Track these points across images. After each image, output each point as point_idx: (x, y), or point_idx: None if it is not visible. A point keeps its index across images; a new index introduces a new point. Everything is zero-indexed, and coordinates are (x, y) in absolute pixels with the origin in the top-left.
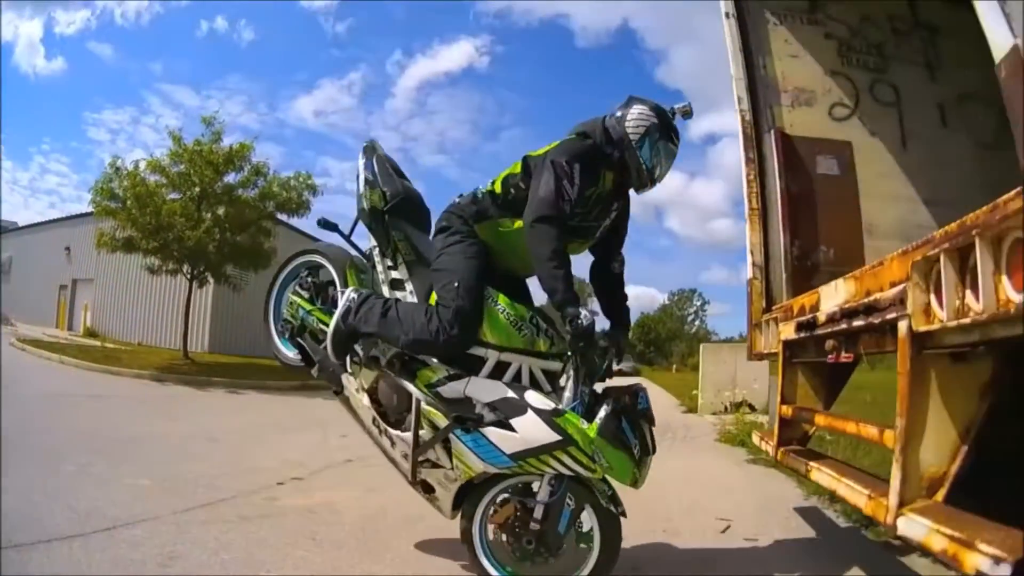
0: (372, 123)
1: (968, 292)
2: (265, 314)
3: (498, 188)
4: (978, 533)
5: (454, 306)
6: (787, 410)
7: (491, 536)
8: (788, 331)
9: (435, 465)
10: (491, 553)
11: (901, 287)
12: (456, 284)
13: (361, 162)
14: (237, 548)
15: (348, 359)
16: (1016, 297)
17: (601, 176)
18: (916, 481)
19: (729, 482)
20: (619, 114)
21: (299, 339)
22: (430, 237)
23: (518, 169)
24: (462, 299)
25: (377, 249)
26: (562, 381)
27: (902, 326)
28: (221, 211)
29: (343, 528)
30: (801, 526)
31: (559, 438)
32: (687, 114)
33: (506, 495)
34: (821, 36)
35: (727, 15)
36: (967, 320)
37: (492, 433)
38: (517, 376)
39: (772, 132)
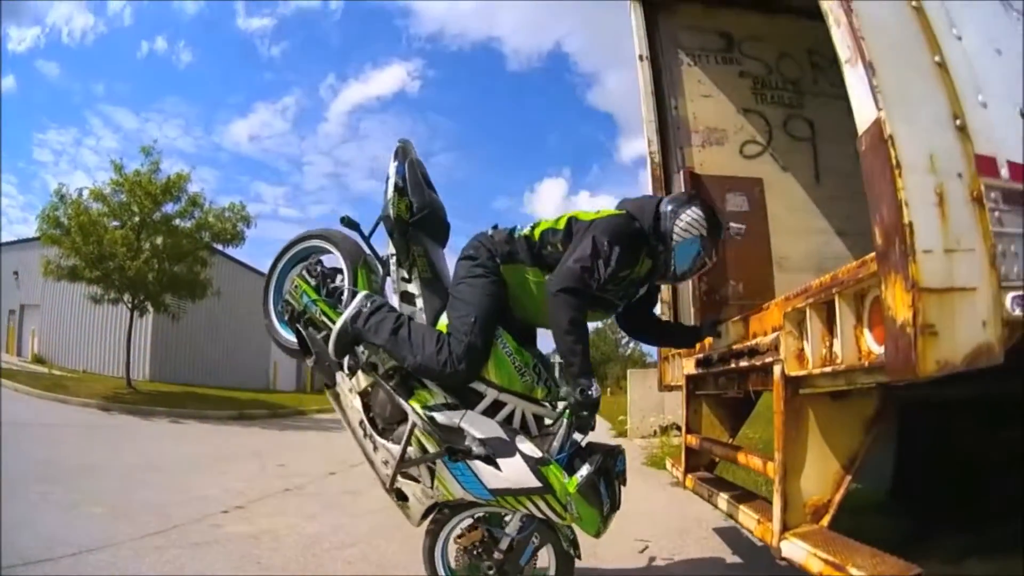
0: (305, 148)
1: (836, 341)
2: (265, 292)
3: (535, 236)
4: (851, 558)
5: (467, 341)
6: (692, 440)
7: (452, 555)
8: (690, 366)
9: (414, 479)
10: (450, 572)
11: (777, 334)
12: (473, 320)
13: (393, 165)
14: (191, 572)
15: (347, 359)
16: (876, 349)
17: (640, 262)
18: (799, 508)
19: (651, 505)
20: (673, 208)
21: (298, 326)
22: (452, 257)
23: (560, 226)
24: (476, 336)
25: (395, 258)
26: (552, 428)
27: (776, 370)
28: (159, 241)
29: (285, 554)
30: (718, 545)
31: (539, 485)
32: (739, 234)
33: (474, 520)
34: (735, 75)
35: (640, 57)
36: (831, 368)
37: (478, 466)
38: (509, 417)
39: (681, 172)
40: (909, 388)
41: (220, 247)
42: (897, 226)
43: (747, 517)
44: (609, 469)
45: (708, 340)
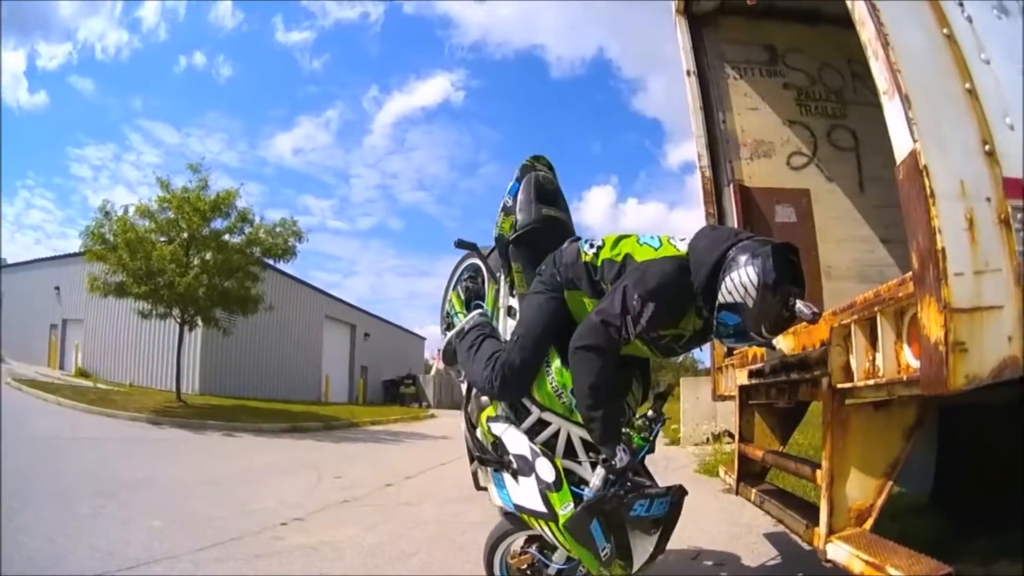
0: (351, 160)
1: (878, 356)
2: (442, 303)
3: (597, 263)
4: (889, 558)
5: (505, 359)
6: (745, 448)
7: (506, 571)
8: (743, 377)
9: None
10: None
11: (824, 347)
12: (517, 337)
13: (510, 184)
14: None
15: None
16: (914, 363)
17: (686, 318)
18: (844, 513)
19: (703, 512)
20: (734, 257)
21: (445, 334)
22: None
23: (619, 259)
24: (515, 354)
25: (503, 276)
26: (592, 470)
27: (824, 382)
28: (208, 256)
29: (345, 564)
30: (768, 551)
31: (545, 511)
32: (814, 319)
33: (527, 542)
34: (780, 87)
35: (688, 72)
36: (873, 381)
37: (508, 479)
38: (555, 436)
39: (731, 185)
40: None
41: (272, 262)
42: (931, 252)
43: (795, 522)
44: (612, 512)
45: (760, 351)
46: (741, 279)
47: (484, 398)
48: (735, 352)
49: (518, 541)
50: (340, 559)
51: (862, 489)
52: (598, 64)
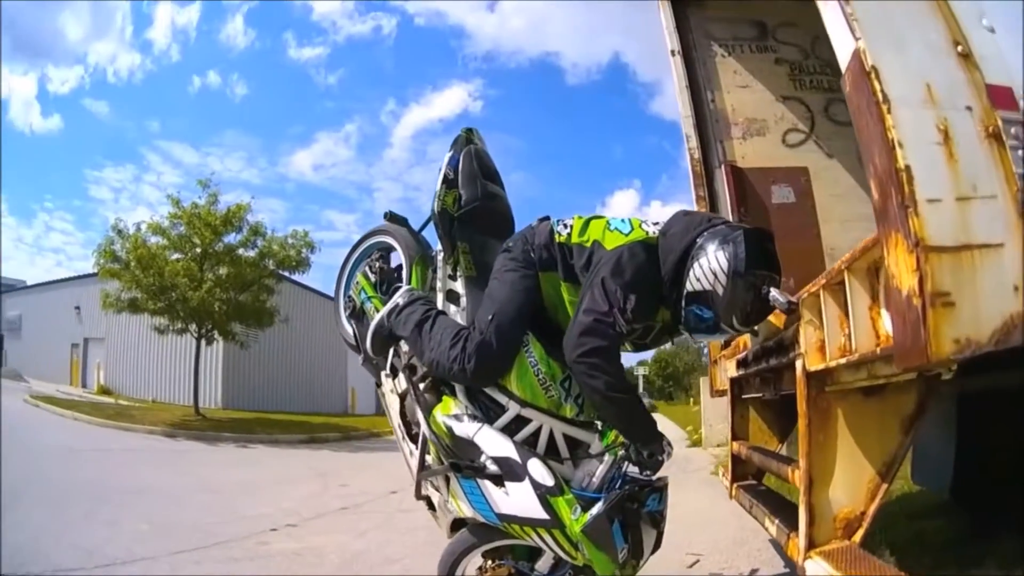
0: (373, 174)
1: (852, 327)
2: (336, 287)
3: (571, 242)
4: None
5: (480, 339)
6: (737, 447)
7: None
8: (732, 369)
9: (437, 489)
10: None
11: (796, 324)
12: (491, 317)
13: (447, 155)
14: None
15: (388, 358)
16: (892, 331)
17: (658, 313)
18: (827, 522)
19: (712, 515)
20: (702, 244)
21: (353, 322)
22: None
23: (588, 244)
24: (491, 334)
25: (441, 255)
26: (592, 456)
27: (798, 365)
28: (223, 271)
29: (324, 569)
30: (771, 558)
31: (547, 518)
32: (789, 309)
33: (490, 554)
34: (771, 62)
35: (672, 52)
36: (846, 359)
37: (487, 486)
38: (535, 435)
39: (723, 167)
40: (966, 376)
41: (288, 274)
42: (891, 173)
43: (779, 531)
44: (629, 511)
45: (745, 339)
46: (711, 265)
47: (428, 395)
48: (731, 343)
49: (478, 556)
50: (320, 564)
51: (850, 494)
52: (615, 68)
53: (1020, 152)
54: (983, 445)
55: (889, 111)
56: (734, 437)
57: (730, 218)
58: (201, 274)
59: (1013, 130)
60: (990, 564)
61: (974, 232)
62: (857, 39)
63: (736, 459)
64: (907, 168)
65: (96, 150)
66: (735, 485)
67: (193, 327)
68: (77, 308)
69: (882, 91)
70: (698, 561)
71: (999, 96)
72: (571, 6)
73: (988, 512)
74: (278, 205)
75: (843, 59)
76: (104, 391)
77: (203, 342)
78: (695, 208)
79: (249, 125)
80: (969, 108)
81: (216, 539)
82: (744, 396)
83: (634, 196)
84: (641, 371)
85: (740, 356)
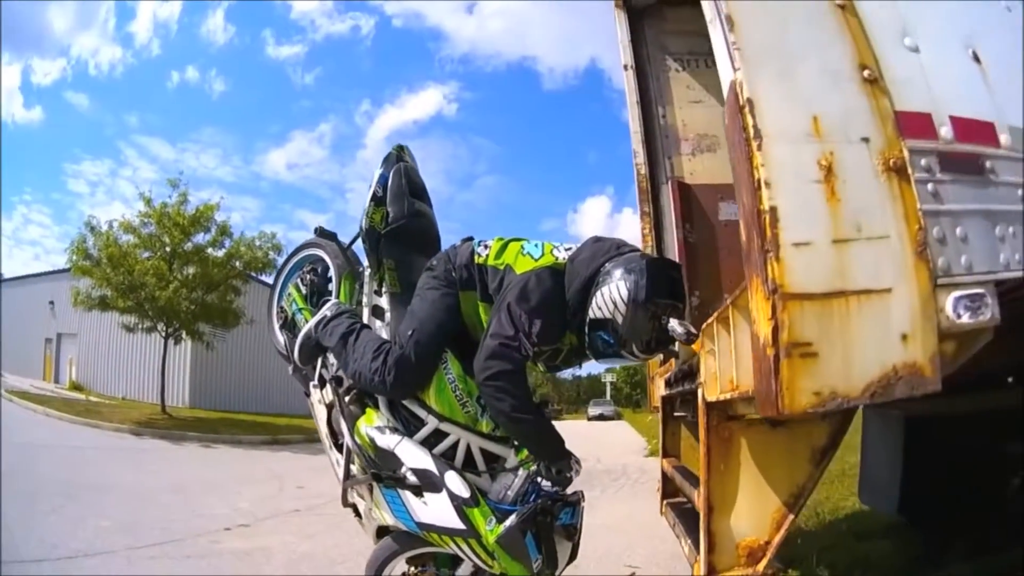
0: (347, 175)
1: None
2: (270, 299)
3: (488, 264)
4: None
5: (399, 353)
6: (667, 465)
7: None
8: (662, 387)
9: (362, 497)
10: None
11: (696, 354)
12: (411, 332)
13: (377, 172)
14: None
15: (317, 369)
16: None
17: (565, 337)
18: (729, 550)
19: (654, 529)
20: (608, 271)
21: (285, 332)
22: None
23: (500, 268)
24: (410, 349)
25: (368, 271)
26: (507, 469)
27: (699, 394)
28: (191, 271)
29: (271, 568)
30: None
31: (463, 528)
32: (688, 340)
33: (414, 560)
34: None
35: (625, 66)
36: (730, 394)
37: (407, 496)
38: (453, 448)
39: (669, 183)
40: (910, 401)
41: (256, 276)
42: (755, 214)
43: (691, 552)
44: (543, 523)
45: (672, 361)
46: (612, 294)
47: (353, 406)
48: (668, 359)
49: (402, 562)
50: (267, 563)
51: (753, 523)
52: (591, 74)
53: (929, 187)
54: (933, 466)
55: (760, 148)
56: (665, 455)
57: (675, 236)
58: (170, 273)
59: (924, 161)
60: None
61: (852, 277)
62: (736, 69)
63: (666, 477)
64: (772, 210)
65: (75, 143)
66: (665, 502)
67: (161, 326)
68: (51, 303)
69: (754, 126)
70: (634, 573)
71: (911, 124)
72: (550, 10)
73: (941, 534)
74: (252, 203)
75: (724, 90)
76: (76, 387)
77: (171, 341)
78: (640, 223)
79: (226, 122)
80: (866, 139)
81: (172, 536)
82: (676, 414)
83: (606, 203)
84: (609, 378)
85: (667, 376)
